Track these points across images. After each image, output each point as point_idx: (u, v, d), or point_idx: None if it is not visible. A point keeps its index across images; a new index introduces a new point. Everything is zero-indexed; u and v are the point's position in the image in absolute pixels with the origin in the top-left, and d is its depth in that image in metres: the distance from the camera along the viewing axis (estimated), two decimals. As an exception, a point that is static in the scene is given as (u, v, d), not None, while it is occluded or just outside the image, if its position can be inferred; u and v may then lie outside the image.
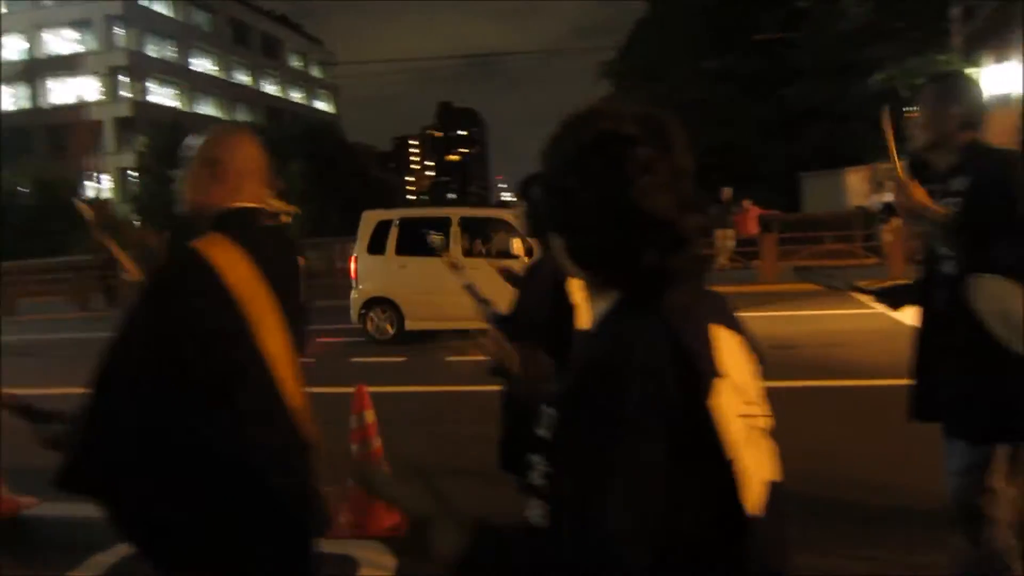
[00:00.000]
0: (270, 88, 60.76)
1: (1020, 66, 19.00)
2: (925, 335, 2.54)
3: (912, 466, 3.95)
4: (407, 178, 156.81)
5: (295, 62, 64.74)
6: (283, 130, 40.89)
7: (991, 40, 20.50)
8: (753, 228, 16.73)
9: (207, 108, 52.66)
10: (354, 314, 10.31)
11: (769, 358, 1.14)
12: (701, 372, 1.00)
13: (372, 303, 10.21)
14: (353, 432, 3.98)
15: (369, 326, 10.29)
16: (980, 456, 2.37)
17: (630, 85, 30.52)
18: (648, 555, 0.95)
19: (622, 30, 33.99)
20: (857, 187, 19.99)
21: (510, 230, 9.94)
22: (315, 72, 67.46)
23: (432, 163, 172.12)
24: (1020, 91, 18.83)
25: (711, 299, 1.12)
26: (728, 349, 1.05)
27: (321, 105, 67.54)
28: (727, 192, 16.65)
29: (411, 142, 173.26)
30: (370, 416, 4.00)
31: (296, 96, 64.06)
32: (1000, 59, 18.84)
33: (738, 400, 1.02)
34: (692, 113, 26.03)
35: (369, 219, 10.57)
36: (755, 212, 16.98)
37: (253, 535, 1.77)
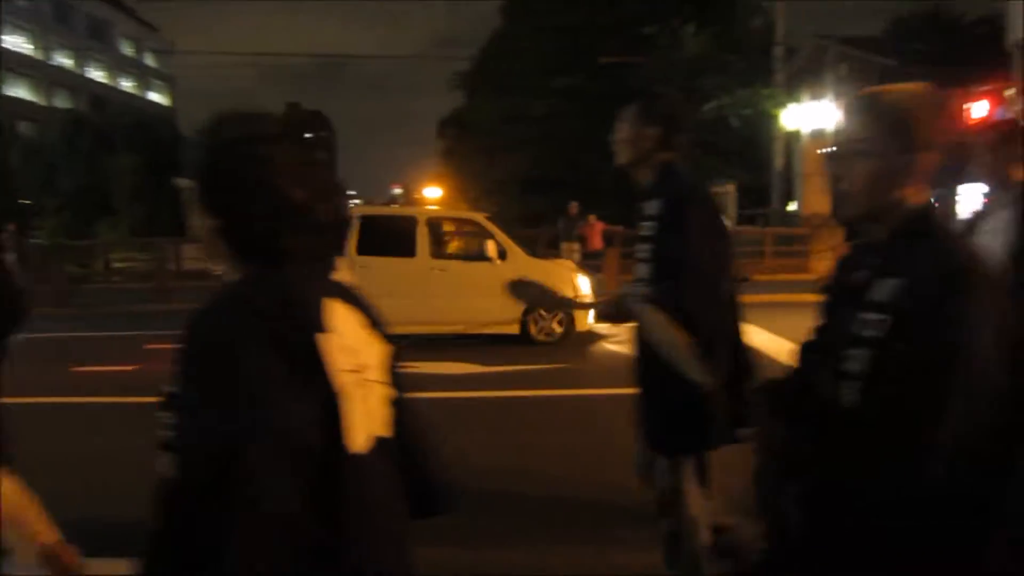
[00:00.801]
0: (96, 74, 56.13)
1: (832, 103, 21.04)
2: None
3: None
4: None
5: (126, 48, 60.24)
6: (111, 120, 37.84)
7: (809, 79, 22.57)
8: (598, 242, 17.33)
9: (19, 91, 47.83)
10: None
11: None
12: (310, 324, 1.18)
13: None
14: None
15: None
16: (673, 465, 2.56)
17: (483, 96, 30.91)
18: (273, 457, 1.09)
19: (475, 43, 34.32)
20: (691, 207, 21.29)
21: (483, 232, 9.57)
22: (149, 60, 63.09)
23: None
24: (831, 127, 20.84)
25: (335, 283, 1.31)
26: (340, 318, 1.23)
27: (155, 96, 63.22)
28: (574, 206, 17.18)
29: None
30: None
31: (127, 85, 59.57)
32: (816, 96, 20.77)
33: (344, 357, 1.20)
34: (542, 128, 26.72)
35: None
36: (600, 227, 17.59)
37: None
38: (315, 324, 1.19)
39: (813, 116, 20.24)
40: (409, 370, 1.57)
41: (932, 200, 1.47)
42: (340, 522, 1.16)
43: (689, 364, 2.23)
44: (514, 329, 9.36)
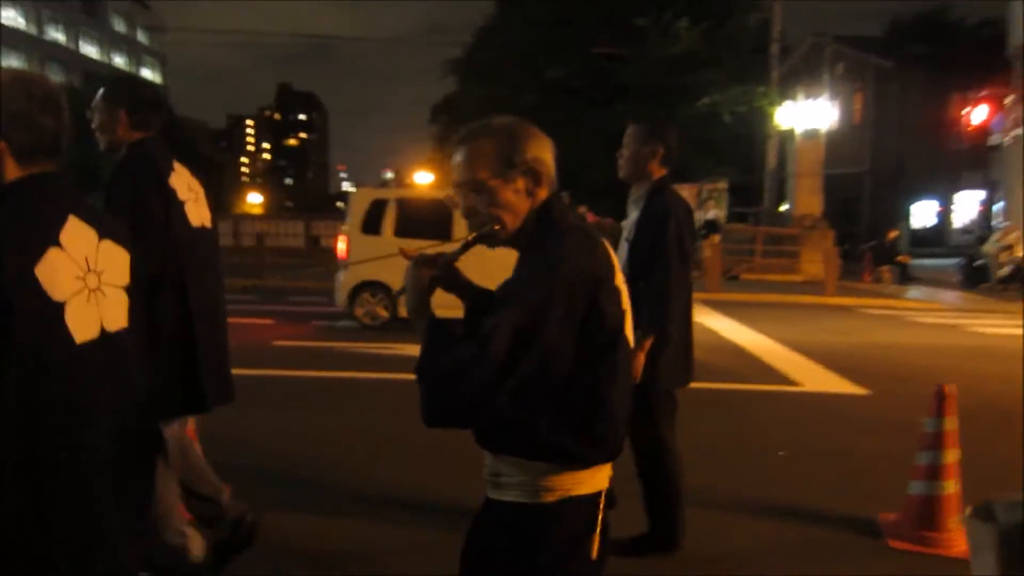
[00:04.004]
0: (89, 49, 55.51)
1: (827, 103, 20.96)
2: None
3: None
4: (242, 159, 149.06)
5: (119, 25, 59.59)
6: (101, 96, 37.39)
7: (804, 78, 22.50)
8: (586, 235, 17.30)
9: (13, 64, 47.23)
10: (341, 297, 9.67)
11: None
12: (35, 240, 1.38)
13: (363, 286, 9.60)
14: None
15: (358, 311, 9.65)
16: None
17: (474, 84, 30.66)
18: None
19: (467, 30, 33.95)
20: (683, 203, 21.19)
21: None
22: (141, 38, 62.46)
23: (268, 146, 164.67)
24: (826, 127, 20.77)
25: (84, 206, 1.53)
26: (74, 233, 1.45)
27: (147, 73, 62.62)
28: (566, 198, 17.12)
29: (247, 122, 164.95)
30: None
31: (119, 61, 58.98)
32: (811, 95, 20.67)
33: (71, 266, 1.42)
34: (532, 118, 26.50)
35: (362, 197, 9.90)
36: (590, 219, 17.53)
37: None
38: (44, 241, 1.40)
39: (807, 115, 20.17)
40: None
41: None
42: None
43: None
44: None
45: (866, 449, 5.06)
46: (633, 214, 3.30)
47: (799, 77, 23.34)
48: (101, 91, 2.71)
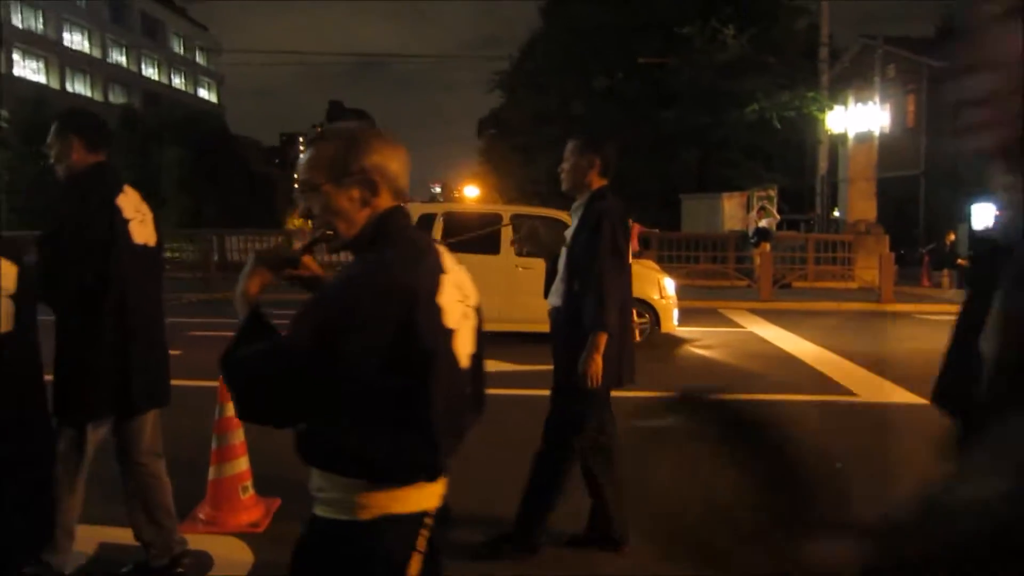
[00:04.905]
0: (149, 71, 57.51)
1: (878, 107, 20.58)
2: None
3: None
4: (294, 176, 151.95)
5: (177, 47, 61.60)
6: (162, 116, 38.79)
7: (855, 81, 22.14)
8: (634, 245, 17.26)
9: (79, 87, 49.21)
10: None
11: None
12: None
13: None
14: (216, 423, 3.80)
15: None
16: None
17: (521, 96, 30.92)
18: None
19: (515, 43, 34.28)
20: (732, 211, 21.03)
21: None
22: (199, 59, 64.43)
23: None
24: (878, 130, 20.40)
25: None
26: None
27: (204, 94, 64.54)
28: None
29: (299, 139, 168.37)
30: (231, 408, 3.81)
31: (177, 82, 60.94)
32: (862, 99, 20.34)
33: None
34: (579, 128, 26.57)
35: (410, 211, 10.00)
36: (637, 229, 17.51)
37: None
38: None
39: (859, 119, 19.86)
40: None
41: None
42: None
43: None
44: None
45: (924, 460, 5.00)
46: (574, 222, 3.42)
47: (849, 80, 22.96)
48: (53, 126, 2.88)
